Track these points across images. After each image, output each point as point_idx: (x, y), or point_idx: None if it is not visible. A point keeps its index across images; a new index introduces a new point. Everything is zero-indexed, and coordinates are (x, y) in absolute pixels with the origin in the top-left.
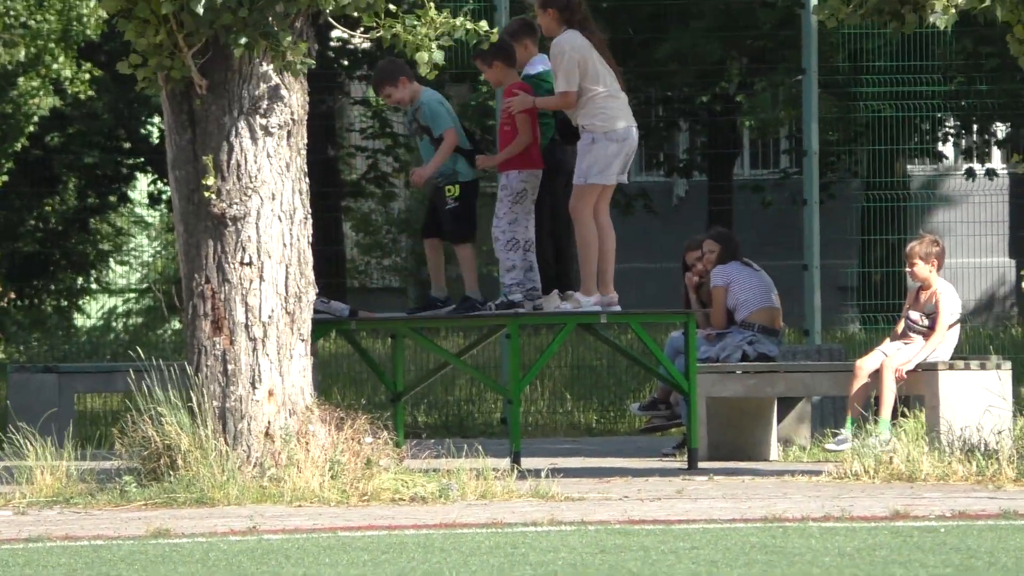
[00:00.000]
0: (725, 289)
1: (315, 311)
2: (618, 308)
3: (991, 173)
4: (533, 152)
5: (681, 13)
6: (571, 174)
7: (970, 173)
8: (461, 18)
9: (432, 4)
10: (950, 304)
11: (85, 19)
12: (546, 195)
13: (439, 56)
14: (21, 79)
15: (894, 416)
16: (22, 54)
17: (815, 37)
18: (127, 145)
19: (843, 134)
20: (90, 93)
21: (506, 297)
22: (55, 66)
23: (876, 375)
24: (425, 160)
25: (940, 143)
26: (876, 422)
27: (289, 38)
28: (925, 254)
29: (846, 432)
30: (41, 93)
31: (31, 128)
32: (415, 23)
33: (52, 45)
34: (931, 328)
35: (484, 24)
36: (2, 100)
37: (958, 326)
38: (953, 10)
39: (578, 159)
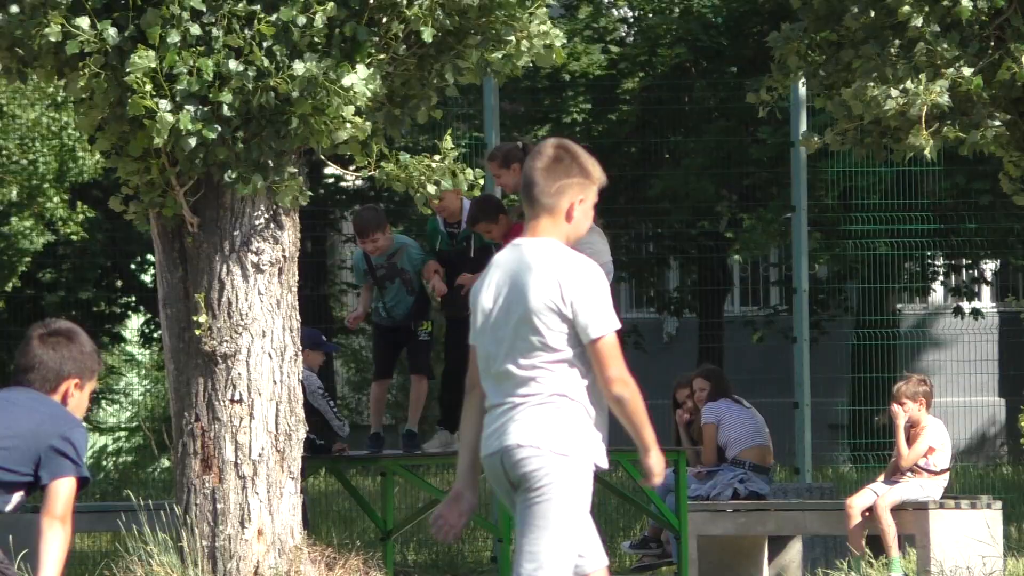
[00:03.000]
0: (716, 426)
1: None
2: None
3: (977, 313)
4: None
5: (673, 151)
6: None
7: (959, 312)
8: (450, 156)
9: (448, 136)
10: (936, 435)
11: (81, 161)
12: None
13: (433, 190)
14: (15, 218)
15: (884, 554)
16: (14, 193)
17: (805, 174)
18: (119, 283)
19: (834, 271)
20: (83, 234)
21: None
22: (48, 205)
23: (868, 513)
24: (391, 302)
25: (930, 281)
26: (887, 563)
27: (283, 176)
28: (912, 393)
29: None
30: (34, 234)
31: (23, 268)
32: (408, 163)
33: (46, 185)
34: (924, 469)
35: (471, 172)
36: None
37: (948, 464)
38: (931, 142)
39: None
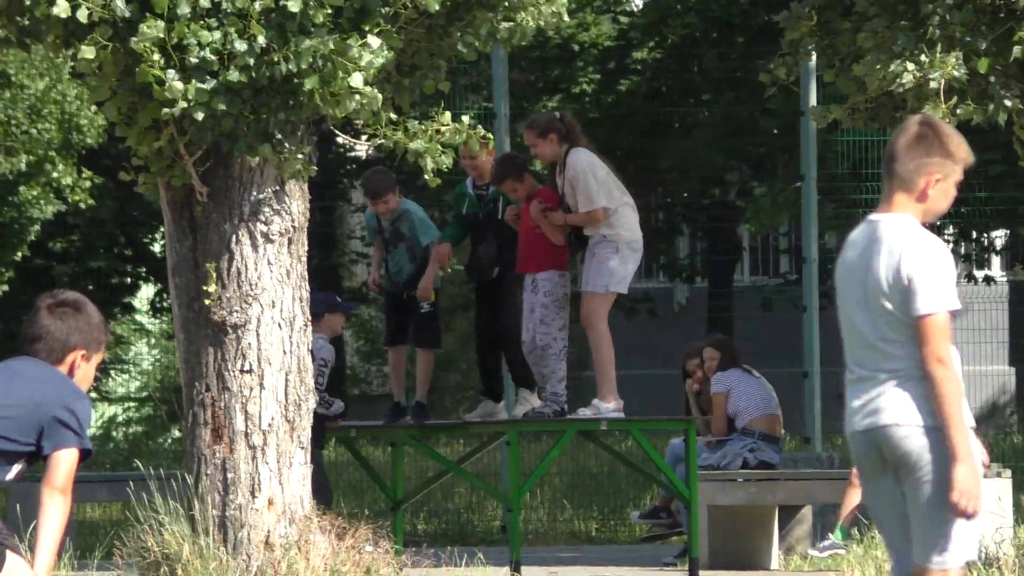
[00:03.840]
0: (725, 396)
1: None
2: (622, 415)
3: (990, 280)
4: (566, 255)
5: (683, 121)
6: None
7: (971, 278)
8: (466, 122)
9: (444, 111)
10: None
11: (85, 129)
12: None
13: (447, 161)
14: (23, 187)
15: None
16: (23, 163)
17: (814, 144)
18: (129, 253)
19: (842, 240)
20: (91, 202)
21: (561, 407)
22: (55, 174)
23: None
24: (394, 267)
25: None
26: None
27: (292, 146)
28: None
29: (833, 538)
30: (42, 203)
31: (33, 237)
32: (417, 131)
33: (52, 153)
34: None
35: (481, 130)
36: (2, 208)
37: None
38: (950, 116)
39: (596, 267)
